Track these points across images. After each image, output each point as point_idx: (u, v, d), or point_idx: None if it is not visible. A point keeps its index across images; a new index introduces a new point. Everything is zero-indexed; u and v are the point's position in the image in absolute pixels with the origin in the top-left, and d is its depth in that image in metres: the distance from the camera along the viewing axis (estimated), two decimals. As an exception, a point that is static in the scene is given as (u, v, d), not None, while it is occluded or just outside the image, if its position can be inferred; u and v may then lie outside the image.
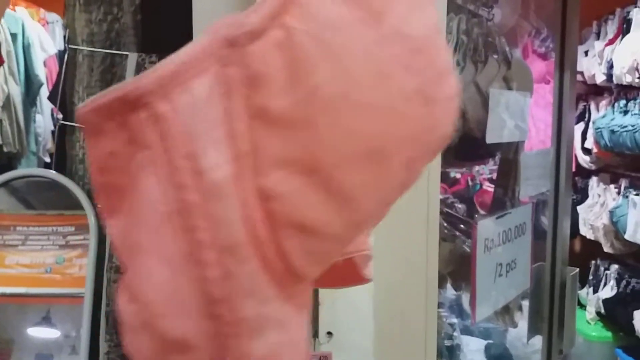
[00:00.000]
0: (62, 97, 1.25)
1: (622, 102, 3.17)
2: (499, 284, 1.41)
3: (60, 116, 1.27)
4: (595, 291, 3.46)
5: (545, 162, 1.65)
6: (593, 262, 3.56)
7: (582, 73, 3.40)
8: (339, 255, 0.47)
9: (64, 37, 1.26)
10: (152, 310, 0.38)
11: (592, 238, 3.45)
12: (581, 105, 3.59)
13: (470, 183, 2.09)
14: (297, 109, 0.37)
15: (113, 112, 0.39)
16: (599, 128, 3.24)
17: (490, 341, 1.87)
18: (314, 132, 0.38)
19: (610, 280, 3.38)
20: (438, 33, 0.44)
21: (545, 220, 1.72)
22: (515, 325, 1.63)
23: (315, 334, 0.87)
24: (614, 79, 3.09)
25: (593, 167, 3.55)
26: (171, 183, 0.37)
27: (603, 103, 3.44)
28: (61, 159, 1.25)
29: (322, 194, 0.39)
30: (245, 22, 0.37)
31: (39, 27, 3.23)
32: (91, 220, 1.15)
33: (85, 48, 1.19)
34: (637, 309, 3.10)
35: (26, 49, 3.03)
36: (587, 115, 3.57)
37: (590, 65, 3.38)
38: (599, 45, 3.32)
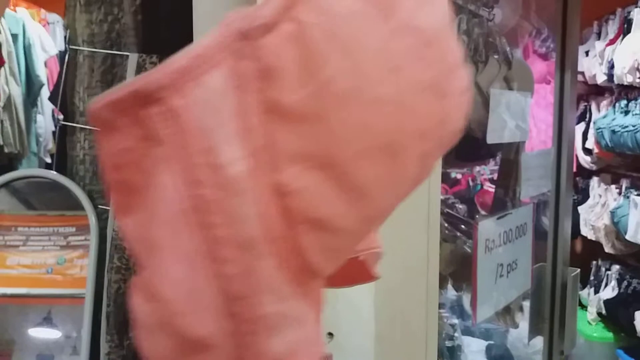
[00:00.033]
0: (63, 98, 1.24)
1: (623, 102, 3.17)
2: (500, 285, 1.41)
3: (61, 117, 1.27)
4: (597, 292, 3.45)
5: (546, 162, 1.65)
6: (594, 262, 3.56)
7: (583, 73, 3.40)
8: (352, 252, 0.47)
9: (65, 37, 1.26)
10: (171, 308, 0.38)
11: (593, 238, 3.45)
12: (582, 106, 3.59)
13: (471, 183, 2.09)
14: (310, 103, 0.37)
15: (126, 108, 0.38)
16: (599, 128, 3.24)
17: (491, 342, 1.87)
18: (327, 126, 0.38)
19: (611, 281, 3.38)
20: (448, 27, 0.43)
21: (546, 221, 1.72)
22: (516, 326, 1.63)
23: (316, 335, 0.87)
24: (614, 79, 3.09)
25: (594, 167, 3.55)
26: (187, 179, 0.37)
27: (604, 103, 3.44)
28: (62, 160, 1.25)
29: (337, 189, 0.38)
30: (257, 15, 0.37)
31: (40, 28, 3.23)
32: (92, 220, 1.15)
33: (86, 49, 1.20)
34: (638, 309, 3.09)
35: (27, 50, 3.03)
36: (588, 116, 3.56)
37: (591, 65, 3.38)
38: (599, 45, 3.32)
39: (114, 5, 1.16)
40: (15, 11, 3.03)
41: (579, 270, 1.72)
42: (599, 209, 3.48)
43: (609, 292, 3.36)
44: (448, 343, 1.65)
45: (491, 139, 1.31)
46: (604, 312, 3.34)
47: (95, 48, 1.18)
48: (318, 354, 0.43)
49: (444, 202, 1.63)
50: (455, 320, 1.72)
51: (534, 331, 1.71)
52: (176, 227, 0.37)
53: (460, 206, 1.80)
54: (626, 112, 3.12)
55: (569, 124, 1.66)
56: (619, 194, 3.33)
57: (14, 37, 2.95)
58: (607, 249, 3.34)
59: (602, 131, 3.21)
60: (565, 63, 1.63)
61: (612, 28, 3.31)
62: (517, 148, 1.52)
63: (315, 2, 0.38)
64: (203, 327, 0.37)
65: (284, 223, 0.38)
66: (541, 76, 2.06)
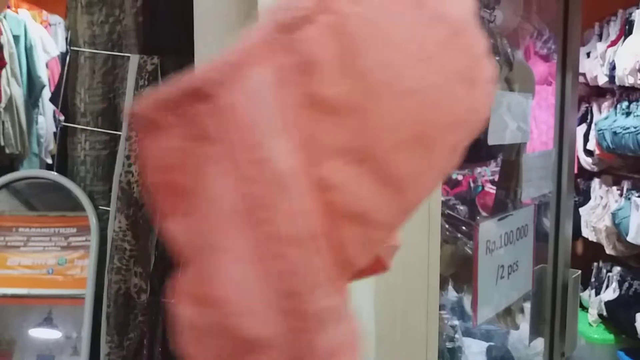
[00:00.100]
0: (64, 99, 1.25)
1: (625, 104, 3.17)
2: (501, 286, 1.41)
3: (62, 118, 1.27)
4: (598, 293, 3.45)
5: (548, 163, 1.65)
6: (595, 264, 3.55)
7: (584, 75, 3.40)
8: (384, 245, 0.46)
9: (66, 39, 1.27)
10: (226, 309, 0.37)
11: (594, 240, 3.45)
12: (583, 107, 3.59)
13: (472, 185, 2.09)
14: (349, 95, 0.37)
15: (174, 106, 0.37)
16: (601, 130, 3.24)
17: (492, 343, 1.87)
18: (365, 118, 0.37)
19: (612, 283, 3.37)
20: (474, 16, 0.43)
21: (547, 222, 1.72)
22: (517, 328, 1.63)
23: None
24: (616, 80, 3.09)
25: (595, 168, 3.54)
26: (237, 176, 0.36)
27: (605, 105, 3.43)
28: (63, 161, 1.25)
29: (376, 183, 0.38)
30: (297, 7, 0.37)
31: (42, 29, 3.23)
32: (92, 221, 1.15)
33: (87, 50, 1.20)
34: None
35: (28, 51, 3.04)
36: (589, 117, 3.56)
37: (593, 66, 3.38)
38: (601, 46, 3.32)
39: (115, 6, 1.16)
40: (17, 12, 3.04)
41: (580, 271, 1.72)
42: (600, 211, 3.48)
43: (610, 293, 3.35)
44: (448, 344, 1.65)
45: (492, 140, 1.31)
46: (605, 313, 3.33)
47: (97, 49, 1.19)
48: (359, 346, 0.43)
49: (444, 203, 1.63)
50: (456, 322, 1.71)
51: (534, 333, 1.70)
52: (228, 227, 0.37)
53: (461, 207, 1.79)
54: (627, 114, 3.11)
55: (570, 126, 1.66)
56: (620, 195, 3.33)
57: (16, 38, 2.96)
58: (608, 250, 3.33)
59: (603, 133, 3.21)
60: (567, 64, 1.63)
61: (613, 29, 3.31)
62: (518, 149, 1.52)
63: None
64: (259, 326, 0.37)
65: (327, 217, 0.37)
66: (542, 77, 2.05)
